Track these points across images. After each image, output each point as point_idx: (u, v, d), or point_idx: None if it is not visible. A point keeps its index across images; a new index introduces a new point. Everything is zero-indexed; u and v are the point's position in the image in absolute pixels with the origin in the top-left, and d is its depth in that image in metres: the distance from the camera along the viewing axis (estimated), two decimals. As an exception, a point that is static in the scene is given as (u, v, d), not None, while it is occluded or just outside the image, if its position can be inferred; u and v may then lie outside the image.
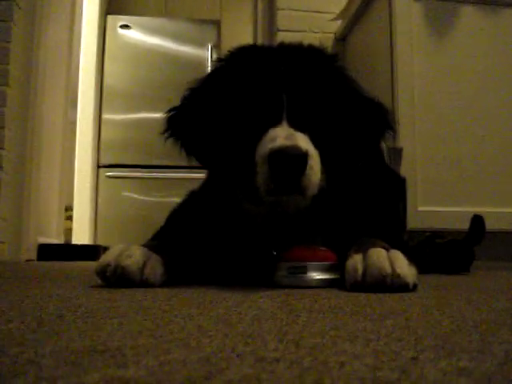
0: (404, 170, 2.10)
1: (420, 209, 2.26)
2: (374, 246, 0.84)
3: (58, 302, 0.68)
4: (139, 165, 3.57)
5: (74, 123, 3.60)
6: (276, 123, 0.87)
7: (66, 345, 0.38)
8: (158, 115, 3.69)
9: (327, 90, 0.95)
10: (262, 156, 0.83)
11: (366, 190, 1.06)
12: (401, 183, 1.86)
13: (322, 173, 0.88)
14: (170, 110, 1.02)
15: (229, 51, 1.04)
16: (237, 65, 0.98)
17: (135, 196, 3.54)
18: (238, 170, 0.91)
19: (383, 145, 1.83)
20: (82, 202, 3.51)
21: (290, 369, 0.31)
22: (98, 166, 3.63)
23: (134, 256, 0.86)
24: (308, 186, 0.84)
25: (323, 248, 0.92)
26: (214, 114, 0.96)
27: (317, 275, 0.89)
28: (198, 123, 0.98)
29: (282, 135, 0.84)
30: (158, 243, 0.97)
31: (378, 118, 1.00)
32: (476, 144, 2.38)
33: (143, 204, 3.46)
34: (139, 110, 3.70)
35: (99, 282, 0.88)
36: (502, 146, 2.40)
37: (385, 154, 1.83)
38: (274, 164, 0.81)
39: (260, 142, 0.86)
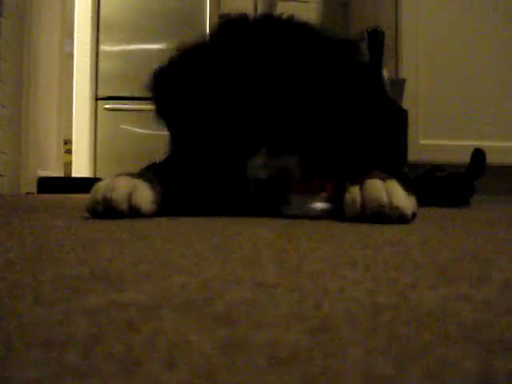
0: (406, 102, 2.07)
1: (421, 142, 2.25)
2: (371, 177, 0.84)
3: (58, 231, 0.68)
4: (138, 97, 3.52)
5: (70, 55, 3.53)
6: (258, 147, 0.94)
7: (65, 271, 0.38)
8: (156, 46, 3.58)
9: (321, 95, 0.97)
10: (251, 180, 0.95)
11: (366, 121, 1.05)
12: (402, 115, 1.84)
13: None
14: (157, 73, 1.06)
15: (218, 23, 1.12)
16: (222, 53, 0.99)
17: (134, 128, 3.51)
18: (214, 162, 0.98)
19: (385, 75, 1.80)
20: (80, 135, 3.49)
21: (289, 293, 0.31)
22: (96, 99, 3.58)
23: (120, 187, 0.85)
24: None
25: (320, 180, 0.93)
26: (197, 99, 0.99)
27: (315, 206, 0.90)
28: (181, 100, 1.02)
29: (260, 164, 0.94)
30: (145, 171, 0.97)
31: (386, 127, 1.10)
32: (479, 77, 2.34)
33: (142, 136, 3.43)
34: (138, 41, 3.62)
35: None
36: (505, 81, 2.35)
37: (386, 85, 1.81)
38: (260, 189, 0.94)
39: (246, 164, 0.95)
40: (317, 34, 1.03)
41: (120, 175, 0.90)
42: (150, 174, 0.96)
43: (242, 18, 1.05)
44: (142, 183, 0.88)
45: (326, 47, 1.01)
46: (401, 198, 0.80)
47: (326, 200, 0.90)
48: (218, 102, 0.97)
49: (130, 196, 0.85)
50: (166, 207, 0.93)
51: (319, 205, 0.90)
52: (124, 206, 0.84)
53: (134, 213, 0.85)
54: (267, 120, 0.94)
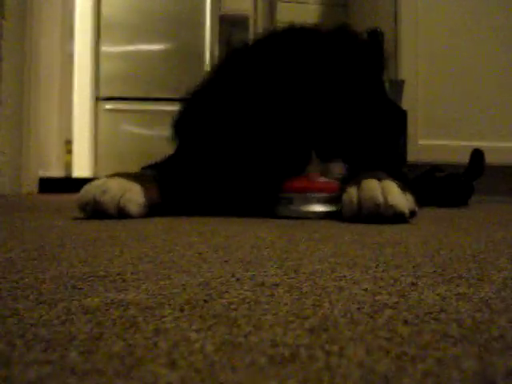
0: (405, 103, 2.07)
1: (420, 142, 2.25)
2: (367, 177, 0.85)
3: (59, 231, 0.68)
4: (139, 97, 3.53)
5: (71, 56, 3.53)
6: (307, 159, 0.94)
7: (66, 271, 0.38)
8: (157, 47, 3.58)
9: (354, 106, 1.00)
10: None
11: (366, 122, 1.06)
12: (401, 116, 1.84)
13: None
14: (178, 120, 1.10)
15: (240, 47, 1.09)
16: (255, 76, 0.98)
17: (135, 129, 3.51)
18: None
19: (384, 76, 1.80)
20: (81, 135, 3.49)
21: (289, 293, 0.31)
22: (97, 99, 3.58)
23: (110, 190, 0.84)
24: None
25: (324, 179, 0.92)
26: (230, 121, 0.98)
27: (318, 206, 0.90)
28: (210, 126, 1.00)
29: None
30: (143, 171, 0.97)
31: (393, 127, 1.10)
32: (478, 78, 2.34)
33: (143, 137, 3.44)
34: (138, 42, 3.61)
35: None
36: (504, 81, 2.35)
37: (386, 86, 1.80)
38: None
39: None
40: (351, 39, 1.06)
41: (114, 175, 0.90)
42: (149, 174, 0.96)
43: (284, 28, 1.07)
44: (134, 186, 0.88)
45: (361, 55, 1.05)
46: (396, 196, 0.80)
47: (331, 200, 0.90)
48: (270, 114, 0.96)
49: (120, 200, 0.84)
50: (162, 207, 0.92)
51: (320, 206, 0.90)
52: (113, 211, 0.84)
53: (122, 216, 0.85)
54: (319, 127, 0.95)
